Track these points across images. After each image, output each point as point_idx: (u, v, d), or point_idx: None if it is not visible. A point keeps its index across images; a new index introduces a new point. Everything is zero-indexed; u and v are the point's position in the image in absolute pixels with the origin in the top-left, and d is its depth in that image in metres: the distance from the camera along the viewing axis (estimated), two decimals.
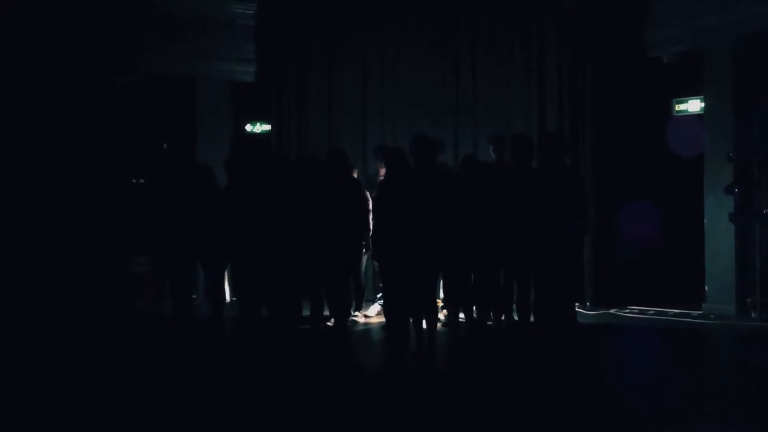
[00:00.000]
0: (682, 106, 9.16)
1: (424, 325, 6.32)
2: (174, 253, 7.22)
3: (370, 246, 7.01)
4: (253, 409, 4.92)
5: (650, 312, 8.72)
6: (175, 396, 5.23)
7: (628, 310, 8.83)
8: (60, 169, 8.89)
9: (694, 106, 9.06)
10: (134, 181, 9.44)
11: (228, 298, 7.82)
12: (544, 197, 6.68)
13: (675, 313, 8.60)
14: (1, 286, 8.08)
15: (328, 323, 7.31)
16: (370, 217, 7.09)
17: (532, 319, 7.05)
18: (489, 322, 7.35)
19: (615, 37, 9.21)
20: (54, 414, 4.79)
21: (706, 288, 8.60)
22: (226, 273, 7.53)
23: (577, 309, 7.68)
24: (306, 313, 7.25)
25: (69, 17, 9.10)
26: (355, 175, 7.99)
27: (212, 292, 7.34)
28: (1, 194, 8.60)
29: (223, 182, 7.53)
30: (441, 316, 7.43)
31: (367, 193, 7.60)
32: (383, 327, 7.36)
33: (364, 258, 8.08)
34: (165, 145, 8.70)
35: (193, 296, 7.87)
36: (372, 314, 8.35)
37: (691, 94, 9.03)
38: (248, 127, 10.74)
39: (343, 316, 7.10)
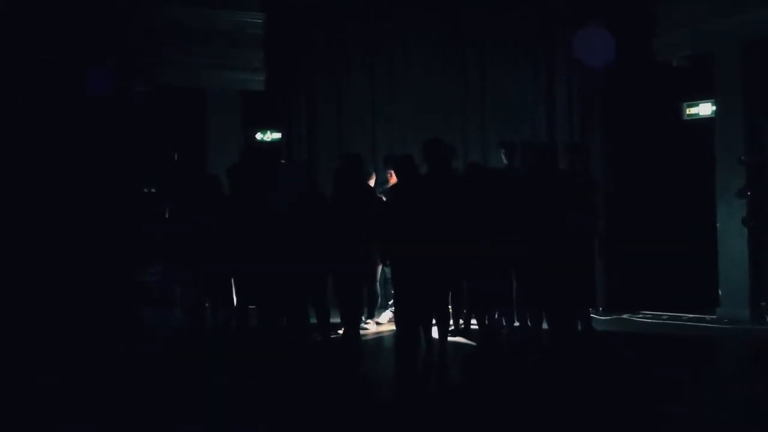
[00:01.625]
0: (693, 110, 9.11)
1: (435, 333, 6.29)
2: (184, 262, 7.22)
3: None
4: (260, 419, 4.87)
5: (663, 317, 8.66)
6: (182, 404, 5.22)
7: (641, 315, 8.78)
8: (71, 178, 8.93)
9: (705, 109, 9.02)
10: (145, 190, 9.47)
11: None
12: (551, 202, 6.65)
13: (688, 318, 8.55)
14: (10, 292, 8.10)
15: (339, 332, 7.28)
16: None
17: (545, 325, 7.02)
18: (501, 328, 7.31)
19: (624, 41, 9.17)
20: (61, 421, 4.80)
21: (720, 292, 8.53)
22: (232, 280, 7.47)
23: (591, 315, 7.59)
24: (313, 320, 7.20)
25: (79, 28, 9.16)
26: (372, 183, 7.98)
27: (220, 300, 7.31)
28: (12, 201, 8.65)
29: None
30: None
31: (384, 199, 7.61)
32: (394, 335, 7.33)
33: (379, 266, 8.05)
34: (175, 156, 8.73)
35: (206, 305, 7.85)
36: (384, 321, 8.33)
37: (702, 97, 8.99)
38: (258, 136, 10.75)
39: (355, 324, 7.07)
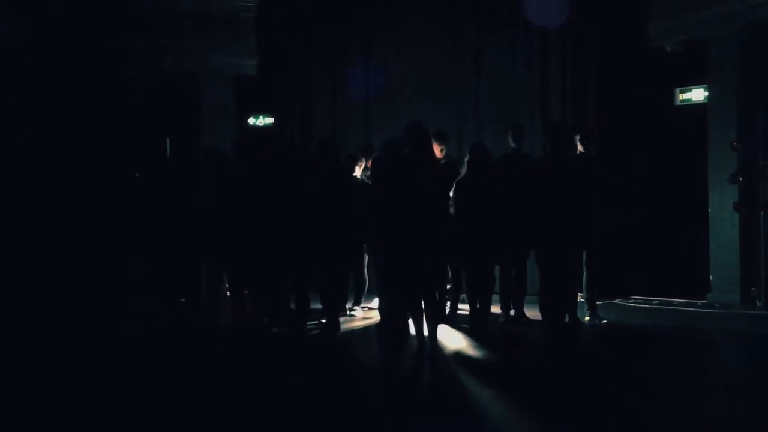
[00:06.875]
0: (685, 96, 9.12)
1: (424, 323, 6.19)
2: (174, 252, 7.21)
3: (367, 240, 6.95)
4: (241, 414, 4.81)
5: (654, 302, 8.70)
6: (173, 398, 5.20)
7: (632, 300, 8.82)
8: (64, 164, 8.94)
9: (698, 95, 9.03)
10: (137, 175, 9.46)
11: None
12: (556, 188, 6.54)
13: (679, 302, 8.59)
14: (1, 282, 8.10)
15: (322, 321, 7.23)
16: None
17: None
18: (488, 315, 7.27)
19: (618, 27, 9.16)
20: (53, 415, 4.81)
21: (711, 277, 8.58)
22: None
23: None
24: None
25: (74, 14, 9.12)
26: (358, 171, 7.95)
27: (211, 289, 7.30)
28: (4, 188, 8.64)
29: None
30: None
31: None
32: (376, 326, 7.26)
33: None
34: (167, 141, 8.72)
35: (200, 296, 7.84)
36: (375, 307, 8.30)
37: (695, 83, 8.99)
38: (251, 120, 10.74)
39: (336, 313, 7.04)
